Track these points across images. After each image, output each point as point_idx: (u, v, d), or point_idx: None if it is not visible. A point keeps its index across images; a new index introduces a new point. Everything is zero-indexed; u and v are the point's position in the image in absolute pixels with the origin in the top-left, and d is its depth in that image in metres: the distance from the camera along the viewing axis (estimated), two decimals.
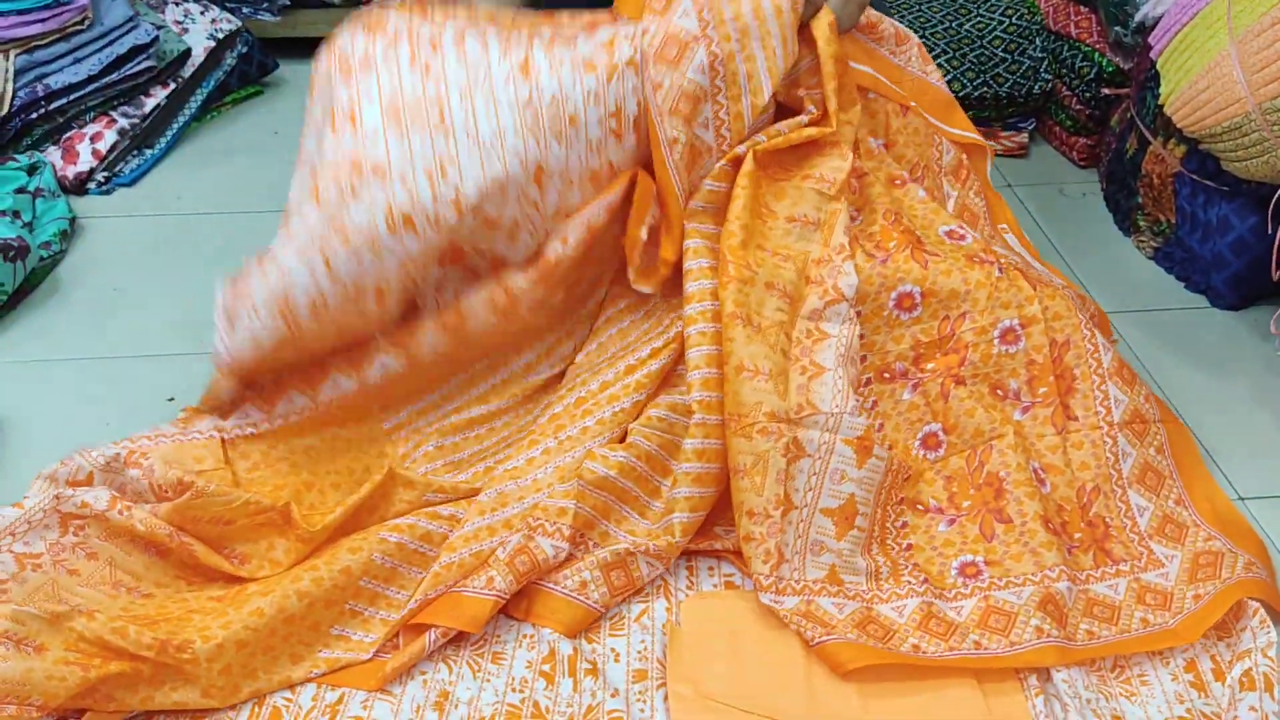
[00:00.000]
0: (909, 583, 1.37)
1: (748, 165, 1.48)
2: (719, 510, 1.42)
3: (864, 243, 1.51)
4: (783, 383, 1.40)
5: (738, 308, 1.40)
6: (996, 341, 1.48)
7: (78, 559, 1.30)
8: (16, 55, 2.07)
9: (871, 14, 1.67)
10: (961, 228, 1.55)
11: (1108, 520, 1.43)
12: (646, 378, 1.49)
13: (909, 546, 1.42)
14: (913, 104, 1.65)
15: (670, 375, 1.50)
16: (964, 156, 1.70)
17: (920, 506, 1.45)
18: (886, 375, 1.49)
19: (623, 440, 1.46)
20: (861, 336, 1.47)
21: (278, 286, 1.38)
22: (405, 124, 1.37)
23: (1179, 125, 1.80)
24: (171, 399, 1.63)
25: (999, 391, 1.49)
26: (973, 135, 1.71)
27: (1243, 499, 1.53)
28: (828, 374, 1.41)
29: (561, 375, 1.58)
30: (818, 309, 1.45)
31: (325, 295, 1.38)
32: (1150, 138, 2.01)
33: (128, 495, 1.37)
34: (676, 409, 1.45)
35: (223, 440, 1.47)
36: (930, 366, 1.49)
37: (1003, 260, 1.49)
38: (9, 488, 1.46)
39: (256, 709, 1.24)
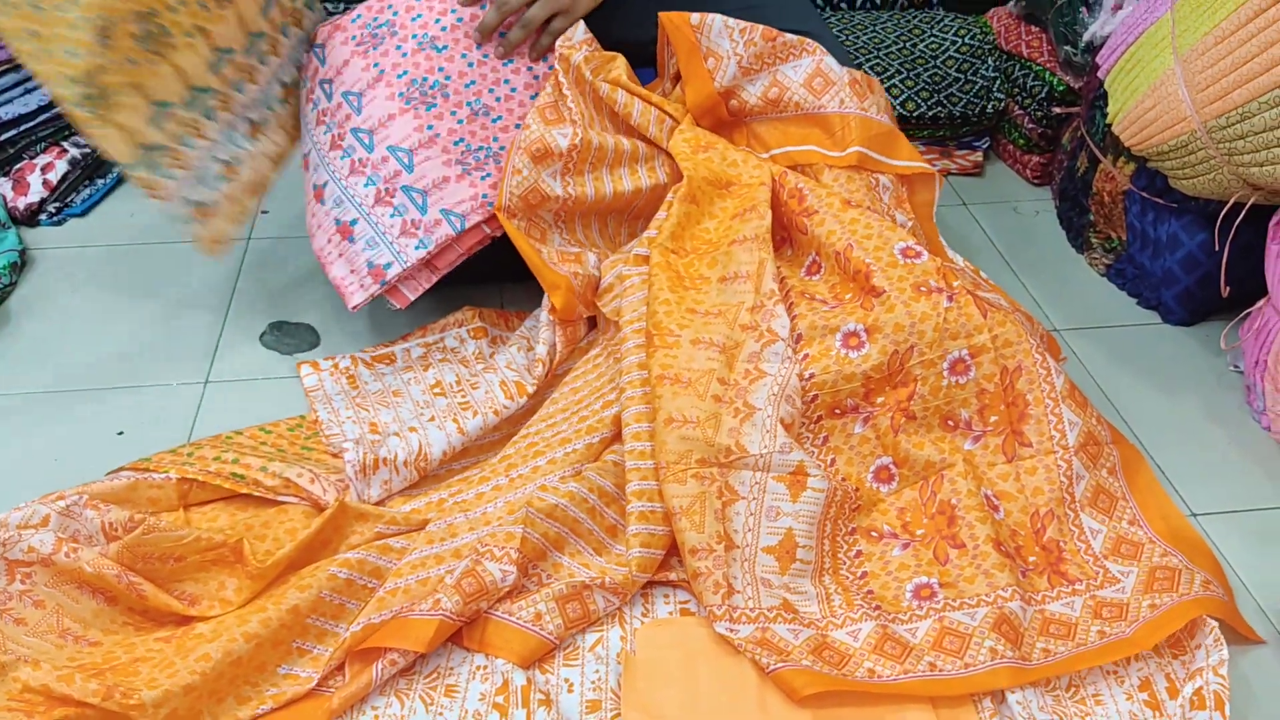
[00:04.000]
0: (862, 607, 1.37)
1: (655, 258, 1.62)
2: (675, 547, 1.42)
3: (817, 292, 1.55)
4: (712, 428, 1.43)
5: (664, 370, 1.48)
6: (946, 373, 1.48)
7: (24, 607, 1.28)
8: None
9: (777, 77, 1.78)
10: (917, 245, 1.56)
11: (1061, 544, 1.43)
12: (599, 423, 1.52)
13: (864, 574, 1.42)
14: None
15: (621, 427, 1.52)
16: (903, 190, 1.74)
17: (875, 534, 1.45)
18: (838, 411, 1.50)
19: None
20: (811, 375, 1.47)
21: (416, 447, 1.54)
22: None
23: (1126, 144, 1.82)
24: (121, 433, 1.61)
25: (950, 422, 1.49)
26: (919, 165, 1.73)
27: (1195, 515, 1.54)
28: (758, 414, 1.43)
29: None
30: (755, 351, 1.49)
31: (455, 446, 1.58)
32: (1100, 155, 2.03)
33: (79, 539, 1.35)
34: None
35: (179, 480, 1.46)
36: (880, 400, 1.50)
37: (955, 287, 1.50)
38: None
39: None
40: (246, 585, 1.34)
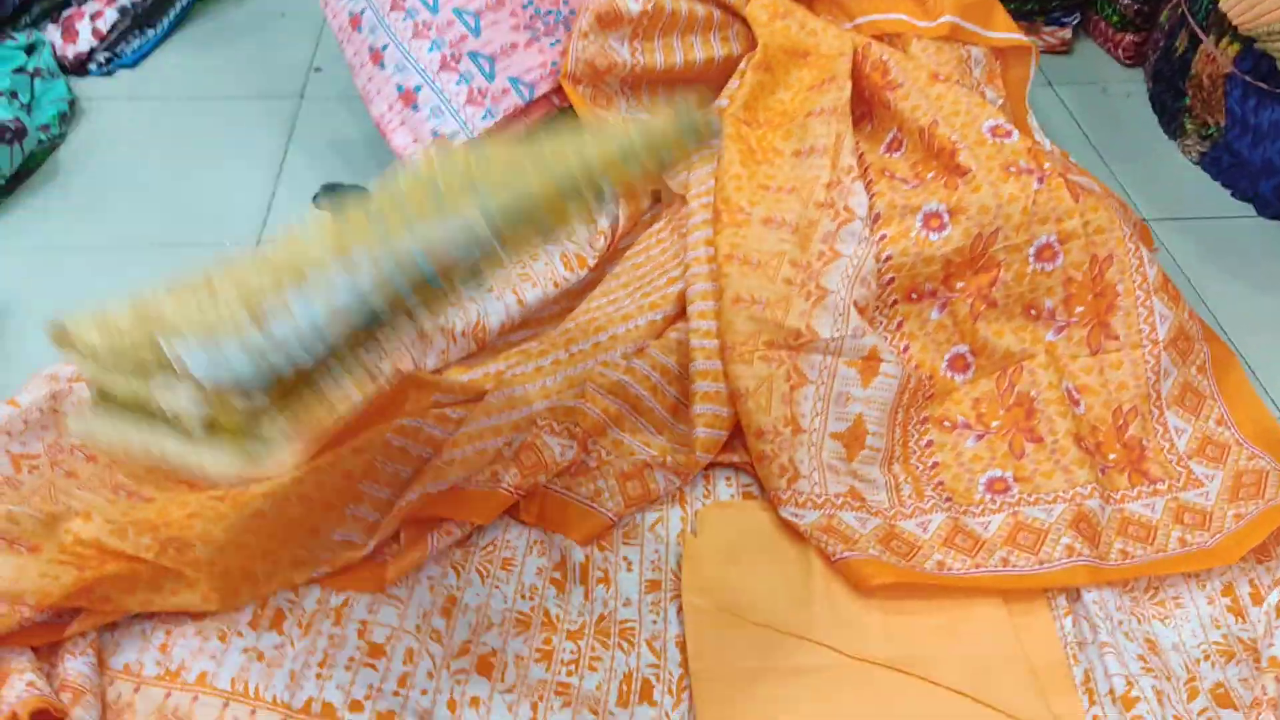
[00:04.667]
0: (933, 498, 1.32)
1: (726, 129, 1.55)
2: (740, 429, 1.37)
3: (897, 170, 1.46)
4: (782, 310, 1.37)
5: (732, 249, 1.43)
6: (1031, 259, 1.40)
7: (76, 461, 1.26)
8: None
9: None
10: (1007, 123, 1.47)
11: (1144, 442, 1.37)
12: (662, 299, 1.47)
13: (935, 465, 1.36)
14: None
15: (685, 304, 1.47)
16: (996, 64, 1.63)
17: (947, 423, 1.39)
18: (914, 295, 1.43)
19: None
20: (888, 257, 1.40)
21: (474, 318, 1.47)
22: None
23: (1234, 22, 1.69)
24: None
25: (1032, 311, 1.42)
26: (1016, 37, 1.63)
27: None
28: (831, 297, 1.37)
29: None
30: (830, 231, 1.42)
31: (514, 318, 1.50)
32: (1201, 35, 1.90)
33: None
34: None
35: None
36: (960, 286, 1.42)
37: (1045, 168, 1.41)
38: (9, 378, 1.42)
39: (259, 611, 1.20)
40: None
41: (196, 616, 1.19)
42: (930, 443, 1.38)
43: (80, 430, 1.03)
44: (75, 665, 1.12)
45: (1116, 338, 1.40)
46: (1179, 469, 1.35)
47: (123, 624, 1.18)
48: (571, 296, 1.59)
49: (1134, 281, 1.40)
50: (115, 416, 1.01)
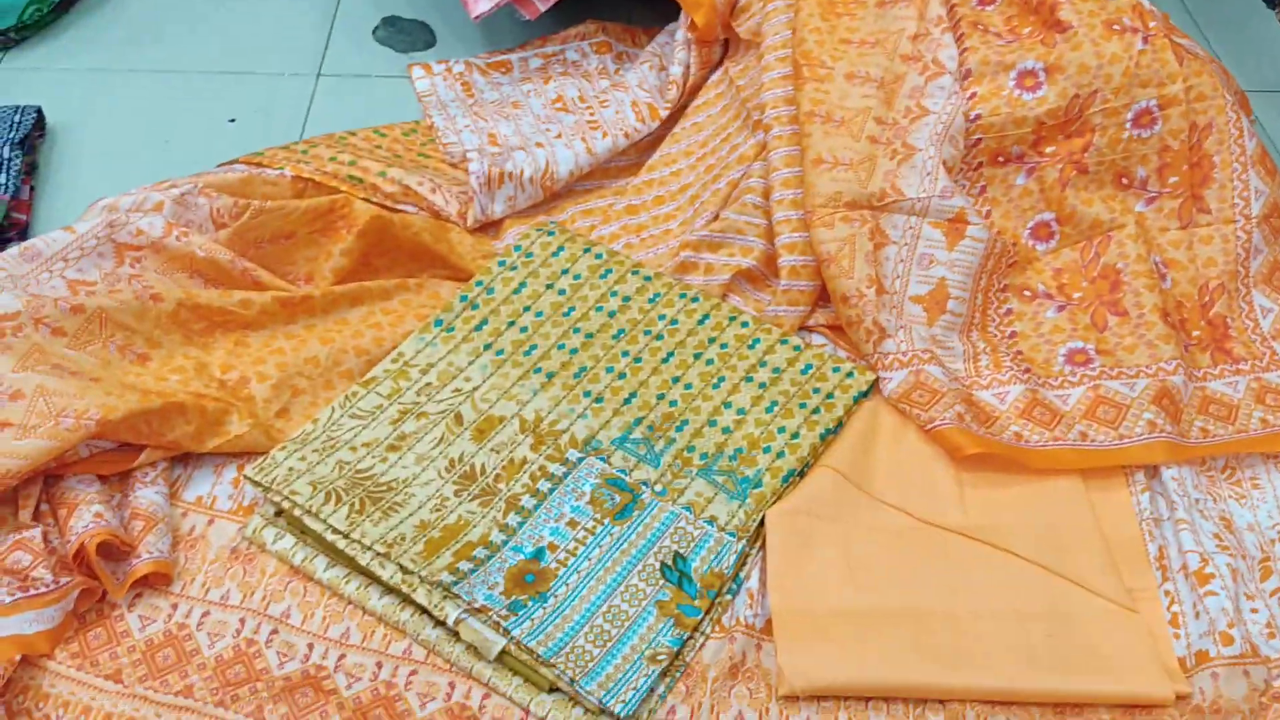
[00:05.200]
0: (1011, 369, 1.28)
1: None
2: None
3: (991, 23, 1.38)
4: (866, 170, 1.32)
5: (814, 106, 1.37)
6: (1129, 125, 1.34)
7: (135, 290, 1.23)
8: None
9: None
10: None
11: (1229, 320, 1.33)
12: (725, 168, 1.43)
13: (1013, 334, 1.33)
14: None
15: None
16: None
17: (1027, 293, 1.35)
18: (1001, 158, 1.36)
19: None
20: (977, 117, 1.33)
21: (544, 165, 1.42)
22: None
23: None
24: (233, 120, 1.53)
25: (1124, 180, 1.36)
26: None
27: None
28: (918, 155, 1.31)
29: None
30: (919, 86, 1.36)
31: (583, 167, 1.46)
32: None
33: (190, 226, 1.29)
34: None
35: (294, 178, 1.39)
36: (1050, 150, 1.36)
37: (1151, 28, 1.33)
38: (62, 200, 1.39)
39: None
40: (354, 244, 1.31)
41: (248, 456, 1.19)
42: (1009, 311, 1.34)
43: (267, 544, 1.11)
44: (147, 494, 1.12)
45: (1208, 211, 1.35)
46: (1263, 349, 1.31)
47: (194, 458, 1.18)
48: (640, 149, 1.54)
49: (1232, 153, 1.34)
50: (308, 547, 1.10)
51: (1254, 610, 1.09)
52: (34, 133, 1.49)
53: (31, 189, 1.45)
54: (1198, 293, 1.33)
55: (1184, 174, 1.34)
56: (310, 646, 1.06)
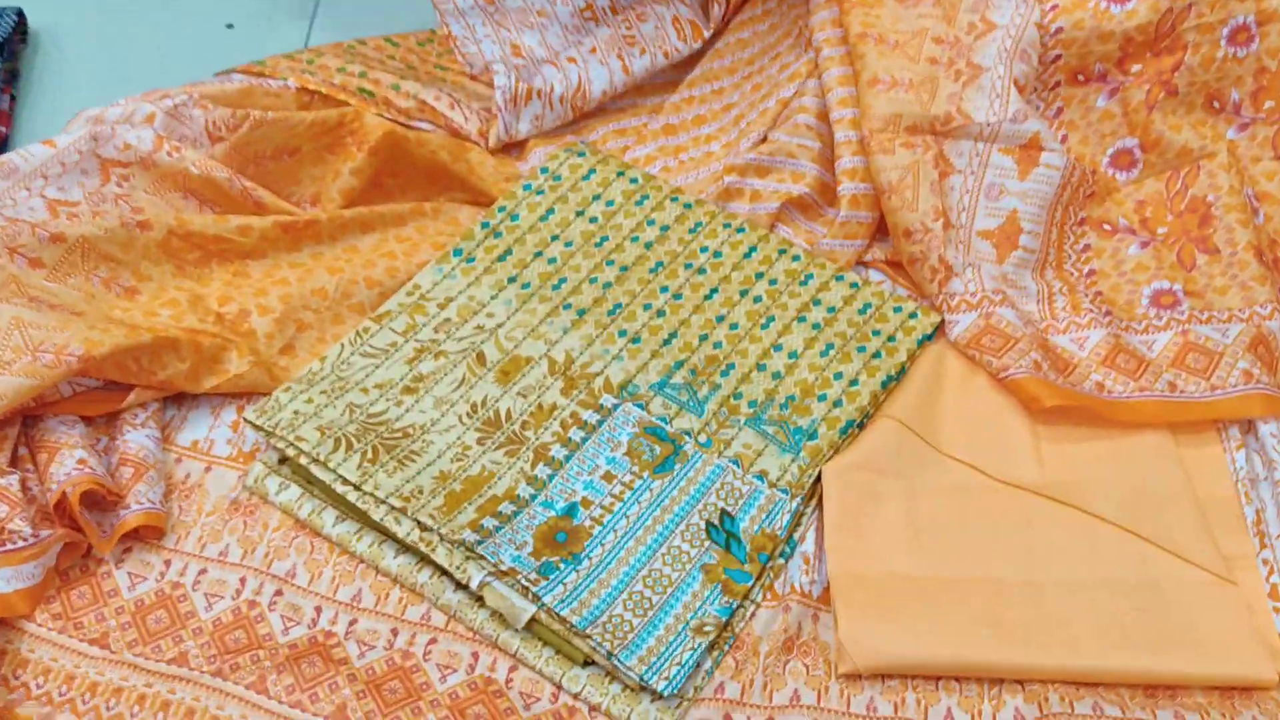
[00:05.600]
0: (1091, 311, 1.17)
1: None
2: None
3: None
4: (928, 92, 1.20)
5: (865, 28, 1.25)
6: (1224, 42, 1.21)
7: (120, 214, 1.12)
8: None
9: None
10: None
11: None
12: (774, 87, 1.32)
13: (1091, 272, 1.21)
14: None
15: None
16: None
17: (1107, 226, 1.23)
18: (1081, 77, 1.23)
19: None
20: (1058, 30, 1.20)
21: (575, 82, 1.32)
22: None
23: None
24: (230, 25, 1.41)
25: (1216, 103, 1.23)
26: None
27: None
28: (985, 75, 1.19)
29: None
30: None
31: (617, 87, 1.35)
32: None
33: (183, 141, 1.17)
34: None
35: (299, 90, 1.26)
36: (1136, 69, 1.23)
37: None
38: (44, 111, 1.29)
39: None
40: (366, 161, 1.20)
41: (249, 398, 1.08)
42: (1087, 247, 1.22)
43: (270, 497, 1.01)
44: (136, 437, 1.01)
45: None
46: None
47: (189, 399, 1.07)
48: (679, 68, 1.41)
49: None
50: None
51: None
52: (14, 37, 1.39)
53: (12, 99, 1.35)
54: None
55: None
56: (318, 610, 0.95)
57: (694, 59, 1.40)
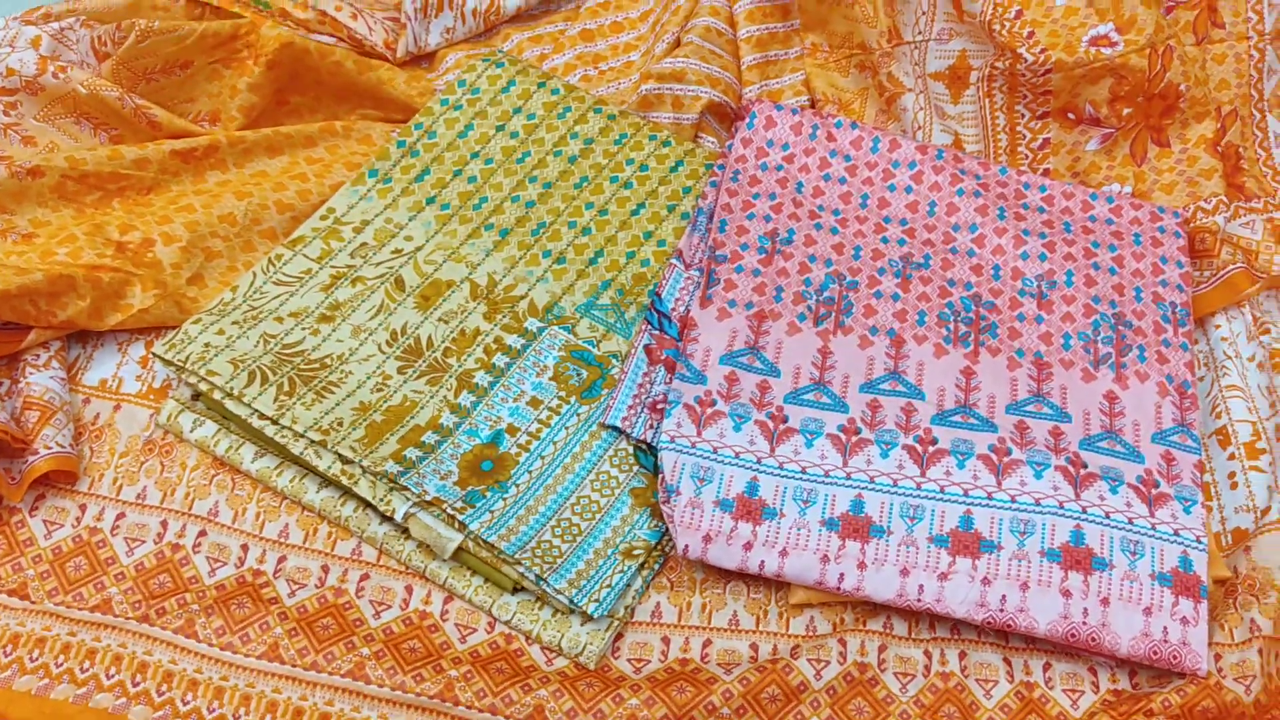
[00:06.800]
0: None
1: None
2: None
3: None
4: None
5: None
6: None
7: (11, 145, 1.06)
8: None
9: None
10: None
11: (1240, 151, 1.21)
12: None
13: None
14: None
15: None
16: None
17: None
18: None
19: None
20: None
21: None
22: None
23: None
24: None
25: None
26: None
27: None
28: None
29: None
30: None
31: (531, 2, 1.32)
32: None
33: (69, 63, 1.10)
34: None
35: (188, 1, 1.20)
36: None
37: None
38: None
39: None
40: (264, 76, 1.14)
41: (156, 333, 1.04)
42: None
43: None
44: (40, 379, 0.97)
45: (1223, 25, 1.21)
46: (1276, 184, 1.20)
47: (95, 335, 1.03)
48: None
49: None
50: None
51: None
52: None
53: None
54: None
55: None
56: (245, 549, 0.94)
57: None
